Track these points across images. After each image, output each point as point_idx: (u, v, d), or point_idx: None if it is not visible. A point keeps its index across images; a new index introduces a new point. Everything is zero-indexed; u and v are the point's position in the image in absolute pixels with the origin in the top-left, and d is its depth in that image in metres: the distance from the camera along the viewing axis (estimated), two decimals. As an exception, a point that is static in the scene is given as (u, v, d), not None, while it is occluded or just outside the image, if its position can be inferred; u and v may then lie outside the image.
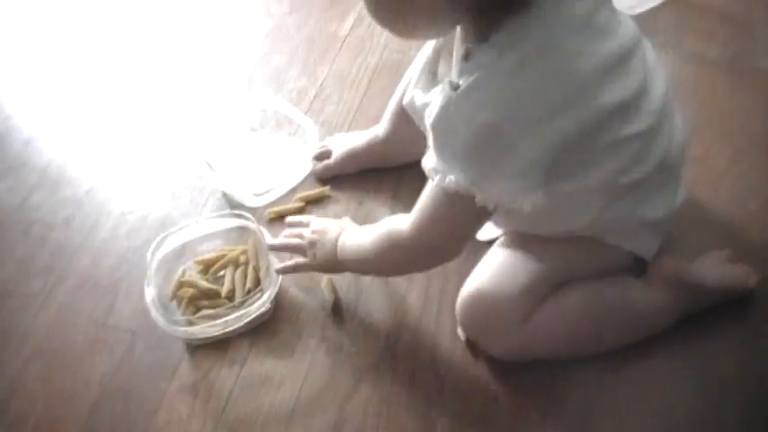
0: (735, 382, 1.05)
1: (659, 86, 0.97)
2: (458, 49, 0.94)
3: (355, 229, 1.12)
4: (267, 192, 1.34)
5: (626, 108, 0.91)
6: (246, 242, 1.24)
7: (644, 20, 1.61)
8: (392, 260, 1.06)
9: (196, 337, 1.14)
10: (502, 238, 1.10)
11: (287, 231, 1.20)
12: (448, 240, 1.00)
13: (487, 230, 1.14)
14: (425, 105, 0.92)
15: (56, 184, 1.45)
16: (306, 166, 1.38)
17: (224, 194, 1.37)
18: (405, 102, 1.05)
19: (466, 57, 0.87)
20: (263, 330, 1.16)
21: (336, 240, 1.11)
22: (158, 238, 1.20)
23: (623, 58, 0.90)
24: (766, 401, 1.03)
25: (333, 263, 1.12)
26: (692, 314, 1.08)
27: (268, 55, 1.65)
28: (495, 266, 1.05)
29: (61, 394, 1.12)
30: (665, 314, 1.06)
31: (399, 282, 1.19)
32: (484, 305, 1.03)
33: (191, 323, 1.14)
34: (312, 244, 1.13)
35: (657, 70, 0.99)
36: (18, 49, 1.82)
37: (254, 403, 1.08)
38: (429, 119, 0.89)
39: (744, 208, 1.24)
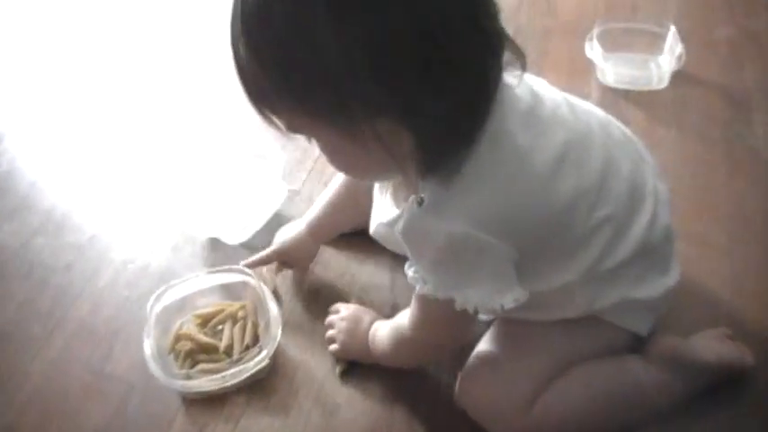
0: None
1: (625, 167, 0.99)
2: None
3: (384, 323, 1.14)
4: (245, 228, 1.38)
5: (588, 193, 0.93)
6: (246, 297, 1.25)
7: (645, 97, 1.66)
8: (403, 355, 1.11)
9: (193, 390, 1.14)
10: (497, 324, 1.10)
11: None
12: (445, 338, 1.06)
13: None
14: (395, 221, 0.94)
15: (59, 229, 1.46)
16: (279, 194, 1.42)
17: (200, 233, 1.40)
18: (372, 232, 1.09)
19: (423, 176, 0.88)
20: (259, 388, 1.16)
21: (367, 332, 1.15)
22: (158, 291, 1.21)
23: (576, 147, 0.92)
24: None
25: (365, 354, 1.15)
26: (696, 392, 1.08)
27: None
28: (497, 352, 1.06)
29: (55, 443, 1.12)
30: (669, 392, 1.06)
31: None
32: (488, 392, 1.04)
33: (189, 377, 1.15)
34: (344, 333, 1.17)
35: (624, 149, 1.01)
36: (25, 90, 1.85)
37: (247, 462, 1.08)
38: (398, 232, 0.92)
39: (741, 289, 1.25)
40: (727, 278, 1.27)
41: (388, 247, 1.14)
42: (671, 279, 1.06)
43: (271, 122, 0.84)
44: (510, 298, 0.91)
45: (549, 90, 0.97)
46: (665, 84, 1.68)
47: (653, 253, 1.02)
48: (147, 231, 1.44)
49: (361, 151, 0.83)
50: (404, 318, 1.06)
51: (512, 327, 1.07)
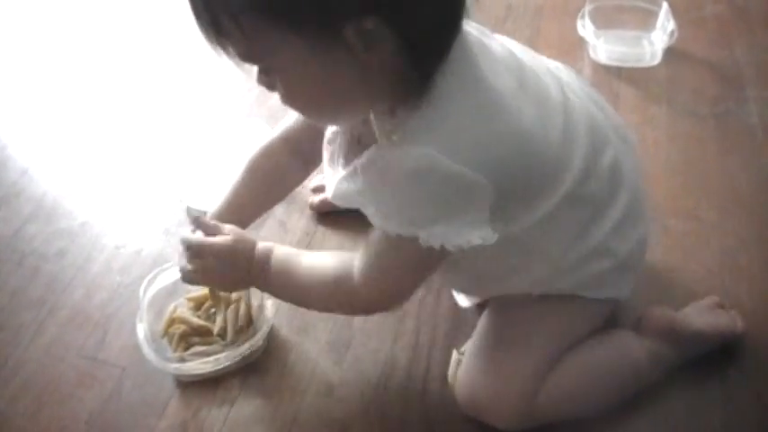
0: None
1: (582, 107, 0.97)
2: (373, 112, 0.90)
3: (285, 252, 1.05)
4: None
5: (553, 119, 0.90)
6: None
7: (637, 74, 1.66)
8: (334, 301, 1.02)
9: (187, 373, 1.14)
10: (487, 316, 1.08)
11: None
12: (399, 289, 0.98)
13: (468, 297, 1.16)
14: (355, 169, 0.90)
15: (50, 216, 1.46)
16: None
17: (189, 210, 1.40)
18: (331, 196, 0.98)
19: (392, 112, 0.86)
20: (253, 370, 1.16)
21: (253, 251, 1.04)
22: (151, 275, 1.21)
23: (531, 78, 0.90)
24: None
25: (244, 283, 1.08)
26: (688, 361, 1.09)
27: (265, 95, 1.64)
28: (491, 353, 1.03)
29: (48, 430, 1.11)
30: (663, 364, 1.07)
31: (390, 329, 1.19)
32: (489, 396, 1.01)
33: (182, 360, 1.15)
34: (215, 265, 1.04)
35: (578, 88, 1.00)
36: (16, 77, 1.84)
37: (242, 445, 1.08)
38: (360, 170, 0.89)
39: (731, 263, 1.26)
40: (717, 252, 1.27)
41: (347, 206, 1.01)
42: (643, 229, 1.05)
43: (226, 51, 0.79)
44: (477, 235, 0.85)
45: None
46: (657, 60, 1.68)
47: (629, 194, 1.00)
48: (139, 216, 1.44)
49: (332, 71, 0.79)
50: (345, 266, 0.97)
51: (501, 320, 1.06)
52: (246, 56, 0.80)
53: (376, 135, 0.90)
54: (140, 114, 1.69)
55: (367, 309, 1.05)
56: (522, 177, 0.87)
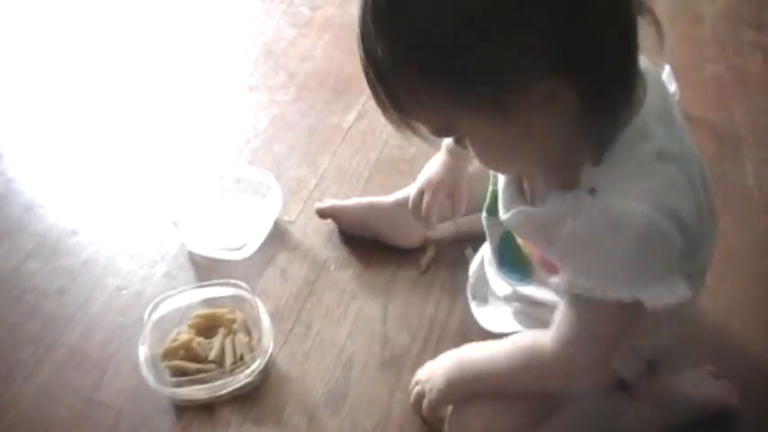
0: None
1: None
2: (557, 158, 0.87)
3: (475, 345, 1.06)
4: (243, 246, 1.40)
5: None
6: (242, 309, 1.27)
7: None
8: (529, 378, 0.99)
9: (183, 398, 1.17)
10: None
11: None
12: (601, 358, 0.94)
13: (498, 322, 1.16)
14: (542, 216, 0.88)
15: (52, 253, 1.46)
16: (270, 219, 1.45)
17: (191, 254, 1.42)
18: (505, 218, 0.95)
19: (595, 162, 0.82)
20: (250, 419, 1.16)
21: (449, 369, 1.06)
22: (157, 299, 1.23)
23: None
24: None
25: (457, 389, 1.05)
26: (679, 428, 1.09)
27: (270, 141, 1.68)
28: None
29: (40, 471, 1.12)
30: (653, 428, 1.08)
31: (387, 381, 1.20)
32: None
33: (179, 385, 1.17)
34: (426, 382, 1.09)
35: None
36: (25, 114, 1.85)
37: (235, 495, 1.08)
38: (568, 234, 0.84)
39: (725, 326, 1.26)
40: (710, 315, 1.28)
41: (520, 236, 1.02)
42: None
43: (415, 132, 0.82)
44: (683, 287, 0.82)
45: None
46: (658, 122, 1.69)
47: None
48: (141, 258, 1.44)
49: (517, 134, 0.79)
50: (540, 336, 0.96)
51: None
52: (437, 133, 0.84)
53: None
54: (145, 159, 1.69)
55: (560, 382, 0.98)
56: (689, 230, 0.83)
